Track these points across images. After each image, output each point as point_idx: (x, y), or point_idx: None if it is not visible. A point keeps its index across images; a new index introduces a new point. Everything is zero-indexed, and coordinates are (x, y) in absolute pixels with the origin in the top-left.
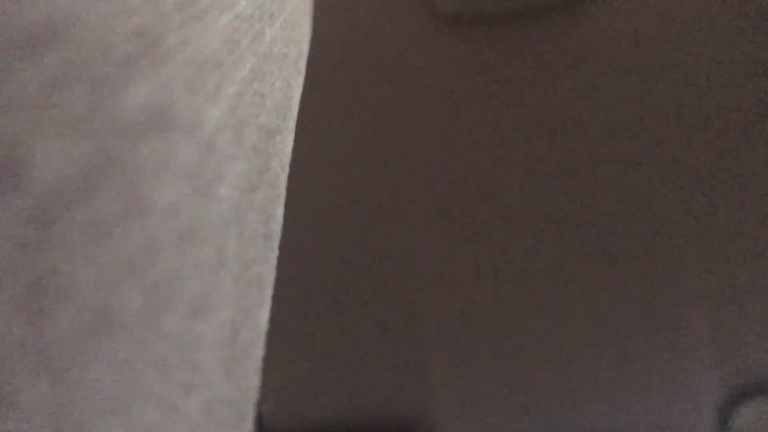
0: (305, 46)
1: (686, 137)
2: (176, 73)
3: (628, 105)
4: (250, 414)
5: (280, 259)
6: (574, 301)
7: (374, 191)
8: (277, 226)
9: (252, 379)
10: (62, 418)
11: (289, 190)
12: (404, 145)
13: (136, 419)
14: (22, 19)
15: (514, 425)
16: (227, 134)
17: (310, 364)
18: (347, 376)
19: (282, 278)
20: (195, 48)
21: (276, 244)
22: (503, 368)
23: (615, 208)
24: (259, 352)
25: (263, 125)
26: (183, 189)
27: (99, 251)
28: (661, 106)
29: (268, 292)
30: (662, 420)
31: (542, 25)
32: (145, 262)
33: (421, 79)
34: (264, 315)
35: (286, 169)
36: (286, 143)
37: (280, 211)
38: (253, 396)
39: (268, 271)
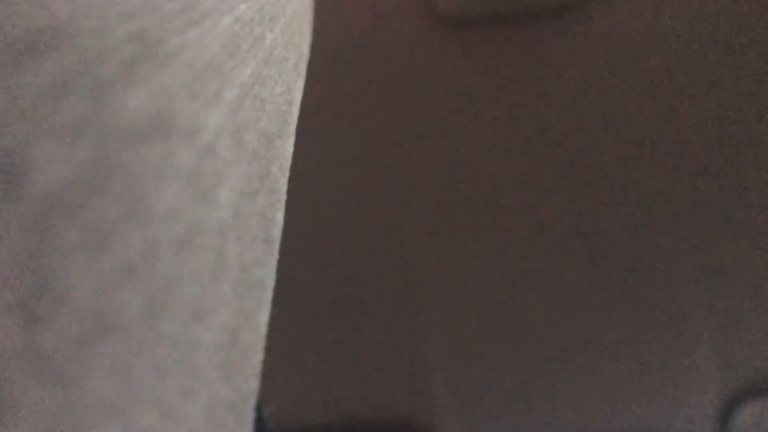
0: (306, 50)
1: (687, 139)
2: (176, 78)
3: (629, 106)
4: (250, 417)
5: (280, 262)
6: (574, 301)
7: (375, 195)
8: (277, 231)
9: (251, 383)
10: (61, 422)
11: (289, 194)
12: (405, 150)
13: (134, 423)
14: (22, 25)
15: (514, 425)
16: (227, 139)
17: (310, 365)
18: (348, 378)
19: (282, 281)
20: (195, 52)
21: (276, 248)
22: (503, 368)
23: (615, 209)
24: (258, 355)
25: (263, 129)
26: (183, 193)
27: (98, 256)
28: (662, 108)
29: (269, 295)
30: (662, 420)
31: (543, 26)
32: (145, 266)
33: (422, 84)
34: (264, 319)
35: (287, 174)
36: (286, 147)
37: (280, 216)
38: (252, 399)
39: (268, 275)
